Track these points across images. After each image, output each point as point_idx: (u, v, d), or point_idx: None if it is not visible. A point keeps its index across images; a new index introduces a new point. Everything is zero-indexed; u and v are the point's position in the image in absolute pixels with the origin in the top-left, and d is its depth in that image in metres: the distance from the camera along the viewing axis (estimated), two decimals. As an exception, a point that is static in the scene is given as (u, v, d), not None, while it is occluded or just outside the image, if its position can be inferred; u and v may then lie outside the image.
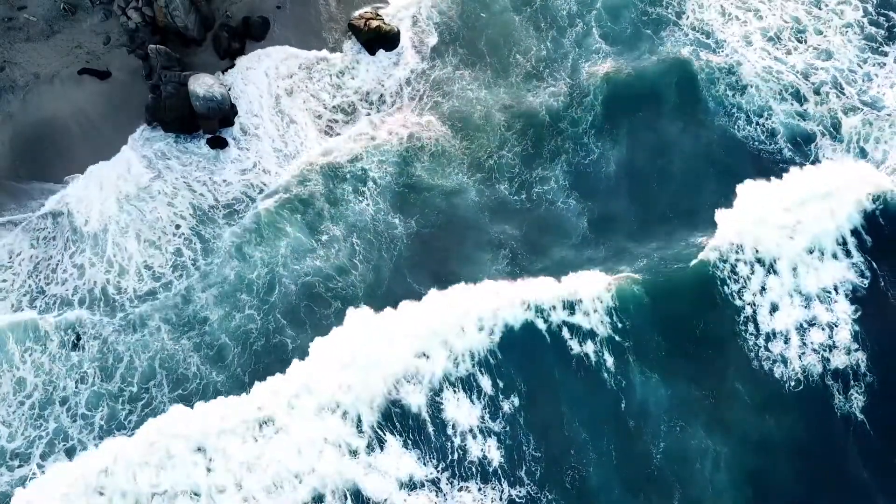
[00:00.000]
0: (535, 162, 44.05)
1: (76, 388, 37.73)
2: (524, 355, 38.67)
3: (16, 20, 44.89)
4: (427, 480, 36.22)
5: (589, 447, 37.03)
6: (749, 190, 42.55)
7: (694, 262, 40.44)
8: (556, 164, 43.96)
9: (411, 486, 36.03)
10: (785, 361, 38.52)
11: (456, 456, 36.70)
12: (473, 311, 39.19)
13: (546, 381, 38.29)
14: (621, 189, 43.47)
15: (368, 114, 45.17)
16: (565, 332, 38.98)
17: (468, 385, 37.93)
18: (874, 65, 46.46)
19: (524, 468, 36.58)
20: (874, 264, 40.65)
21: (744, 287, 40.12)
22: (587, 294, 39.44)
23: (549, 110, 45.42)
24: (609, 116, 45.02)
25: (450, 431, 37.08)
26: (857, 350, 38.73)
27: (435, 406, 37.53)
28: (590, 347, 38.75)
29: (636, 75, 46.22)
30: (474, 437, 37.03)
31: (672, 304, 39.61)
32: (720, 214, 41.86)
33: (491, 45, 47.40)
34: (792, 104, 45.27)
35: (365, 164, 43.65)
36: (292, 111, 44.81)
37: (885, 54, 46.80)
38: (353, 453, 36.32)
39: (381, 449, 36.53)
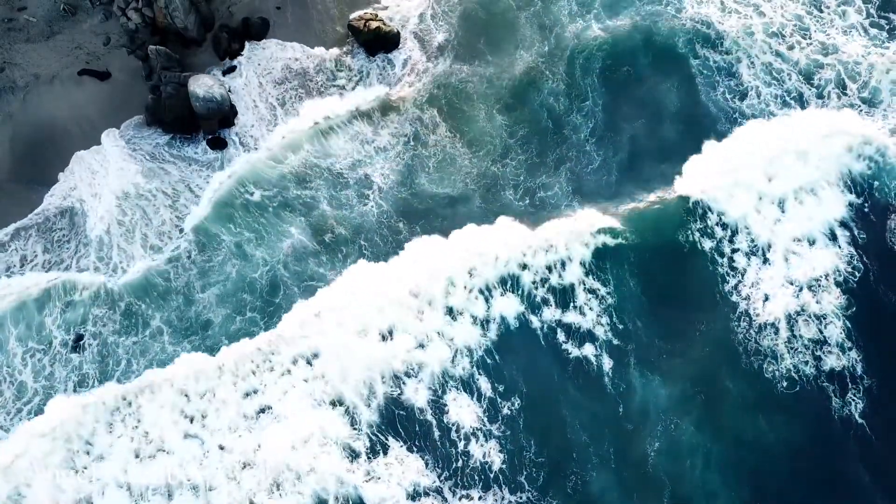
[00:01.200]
0: (539, 171, 44.09)
1: (76, 391, 37.77)
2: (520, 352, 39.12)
3: (16, 21, 44.84)
4: (431, 490, 36.24)
5: (581, 445, 37.36)
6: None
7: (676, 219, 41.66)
8: (560, 173, 44.08)
9: (414, 495, 36.05)
10: (776, 356, 38.64)
11: (458, 460, 36.71)
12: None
13: (542, 372, 38.71)
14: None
15: (368, 116, 45.12)
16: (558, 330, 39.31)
17: (465, 380, 38.19)
18: (876, 55, 46.49)
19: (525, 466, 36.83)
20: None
21: (731, 262, 40.79)
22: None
23: (551, 113, 45.53)
24: (607, 120, 45.33)
25: (450, 427, 37.24)
26: (851, 349, 38.90)
27: (434, 399, 37.76)
28: (589, 350, 39.10)
29: (633, 73, 46.66)
30: (476, 437, 37.11)
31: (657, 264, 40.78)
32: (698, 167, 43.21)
33: (493, 46, 47.35)
34: (794, 108, 45.37)
35: (368, 169, 43.59)
36: (288, 115, 44.74)
37: (887, 47, 46.88)
38: (354, 455, 36.39)
39: (384, 453, 36.58)
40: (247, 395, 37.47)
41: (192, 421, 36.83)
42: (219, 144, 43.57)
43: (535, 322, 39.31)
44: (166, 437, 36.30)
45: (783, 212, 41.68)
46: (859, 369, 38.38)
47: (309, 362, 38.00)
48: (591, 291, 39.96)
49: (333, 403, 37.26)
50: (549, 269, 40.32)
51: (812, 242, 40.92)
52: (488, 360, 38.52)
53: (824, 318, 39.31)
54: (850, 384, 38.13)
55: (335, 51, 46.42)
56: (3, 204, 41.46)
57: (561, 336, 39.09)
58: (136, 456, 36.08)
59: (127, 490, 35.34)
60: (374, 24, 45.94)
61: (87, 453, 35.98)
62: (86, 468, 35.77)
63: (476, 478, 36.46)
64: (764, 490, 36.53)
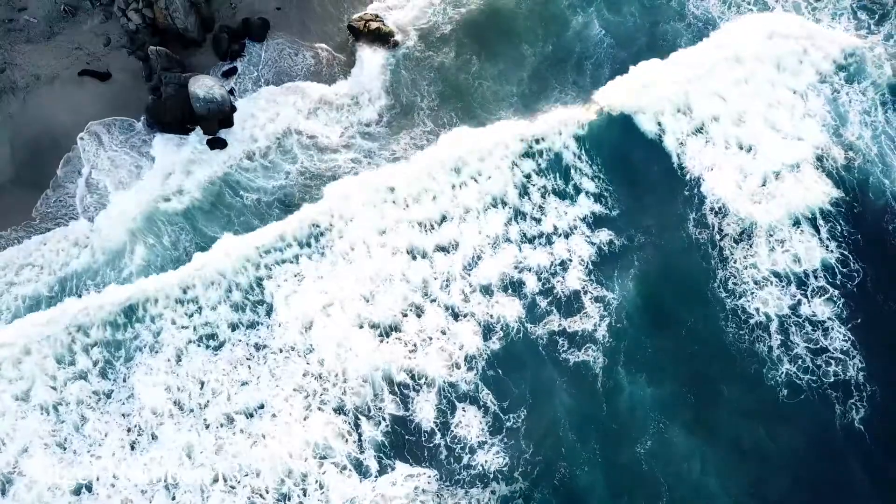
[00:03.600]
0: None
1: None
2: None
3: (16, 21, 45.01)
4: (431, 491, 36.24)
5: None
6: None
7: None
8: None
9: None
10: (778, 361, 38.47)
11: (462, 472, 36.57)
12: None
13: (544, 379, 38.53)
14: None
15: (367, 129, 44.79)
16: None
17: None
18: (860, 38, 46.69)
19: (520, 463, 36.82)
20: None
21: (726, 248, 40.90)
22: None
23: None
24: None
25: (453, 437, 37.18)
26: (854, 356, 38.64)
27: (437, 406, 37.71)
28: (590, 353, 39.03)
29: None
30: (480, 444, 37.00)
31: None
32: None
33: (500, 45, 47.28)
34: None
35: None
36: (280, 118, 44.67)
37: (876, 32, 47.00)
38: (358, 466, 36.41)
39: (391, 469, 36.45)
40: (243, 384, 37.67)
41: (191, 412, 37.10)
42: (218, 145, 43.63)
43: (535, 328, 39.28)
44: (159, 430, 36.65)
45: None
46: (860, 377, 37.96)
47: (306, 353, 38.30)
48: (597, 300, 39.85)
49: (337, 410, 37.25)
50: (551, 274, 40.38)
51: (796, 221, 41.03)
52: (489, 371, 38.32)
53: (822, 324, 38.97)
54: (853, 391, 37.80)
55: (334, 51, 46.45)
56: (3, 204, 41.61)
57: (562, 339, 39.09)
58: (132, 447, 36.39)
59: (124, 484, 35.65)
60: (374, 25, 45.93)
61: (81, 436, 36.54)
62: (83, 454, 36.22)
63: (479, 483, 36.44)
64: (765, 497, 36.38)
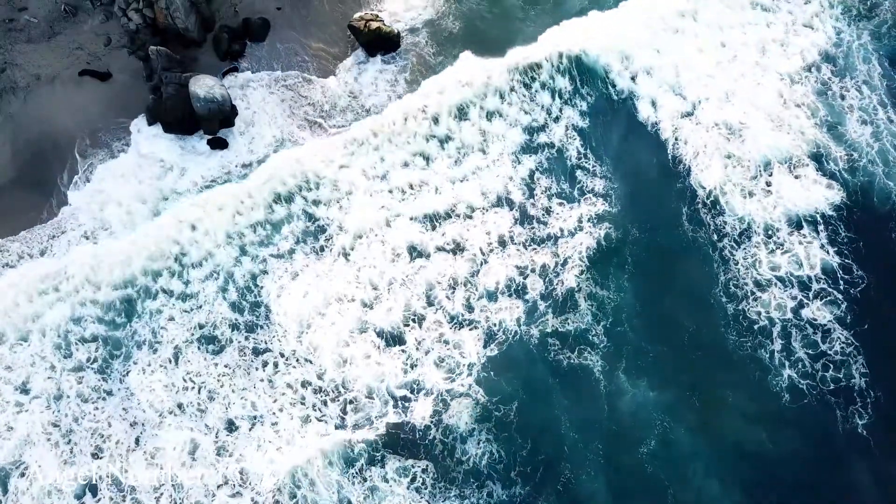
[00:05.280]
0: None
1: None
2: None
3: (17, 21, 44.97)
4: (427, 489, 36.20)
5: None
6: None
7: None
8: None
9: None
10: (780, 365, 38.19)
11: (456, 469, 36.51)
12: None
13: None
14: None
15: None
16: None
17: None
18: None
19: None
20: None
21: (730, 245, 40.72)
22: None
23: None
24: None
25: (451, 435, 37.00)
26: (855, 361, 38.37)
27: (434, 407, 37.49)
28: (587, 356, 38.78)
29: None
30: (470, 433, 36.89)
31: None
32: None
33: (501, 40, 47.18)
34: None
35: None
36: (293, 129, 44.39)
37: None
38: (350, 463, 36.30)
39: (383, 466, 36.41)
40: (243, 390, 37.50)
41: (191, 416, 36.93)
42: (219, 145, 43.52)
43: (531, 329, 39.02)
44: (159, 430, 36.57)
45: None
46: (863, 382, 37.66)
47: (305, 361, 38.08)
48: (592, 298, 39.65)
49: (339, 427, 37.03)
50: (548, 282, 40.10)
51: (797, 224, 40.82)
52: (485, 375, 38.09)
53: (823, 328, 38.71)
54: (855, 397, 37.49)
55: (336, 52, 46.26)
56: (3, 205, 41.45)
57: (555, 340, 38.84)
58: (137, 442, 36.30)
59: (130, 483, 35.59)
60: (374, 25, 45.70)
61: (83, 431, 36.48)
62: (85, 450, 36.20)
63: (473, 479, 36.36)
64: (767, 501, 36.13)
